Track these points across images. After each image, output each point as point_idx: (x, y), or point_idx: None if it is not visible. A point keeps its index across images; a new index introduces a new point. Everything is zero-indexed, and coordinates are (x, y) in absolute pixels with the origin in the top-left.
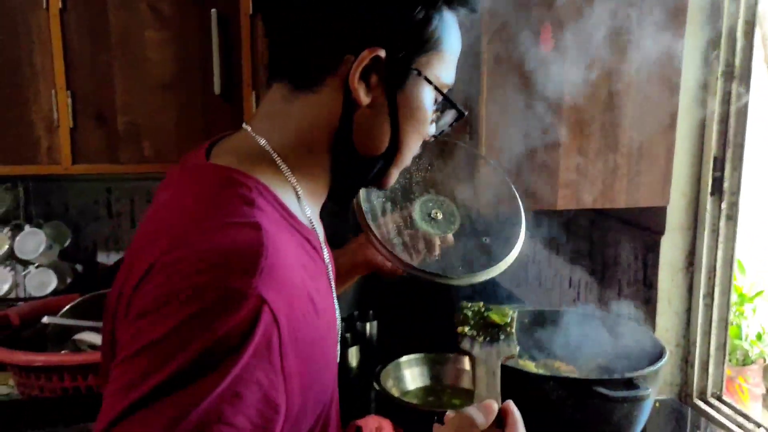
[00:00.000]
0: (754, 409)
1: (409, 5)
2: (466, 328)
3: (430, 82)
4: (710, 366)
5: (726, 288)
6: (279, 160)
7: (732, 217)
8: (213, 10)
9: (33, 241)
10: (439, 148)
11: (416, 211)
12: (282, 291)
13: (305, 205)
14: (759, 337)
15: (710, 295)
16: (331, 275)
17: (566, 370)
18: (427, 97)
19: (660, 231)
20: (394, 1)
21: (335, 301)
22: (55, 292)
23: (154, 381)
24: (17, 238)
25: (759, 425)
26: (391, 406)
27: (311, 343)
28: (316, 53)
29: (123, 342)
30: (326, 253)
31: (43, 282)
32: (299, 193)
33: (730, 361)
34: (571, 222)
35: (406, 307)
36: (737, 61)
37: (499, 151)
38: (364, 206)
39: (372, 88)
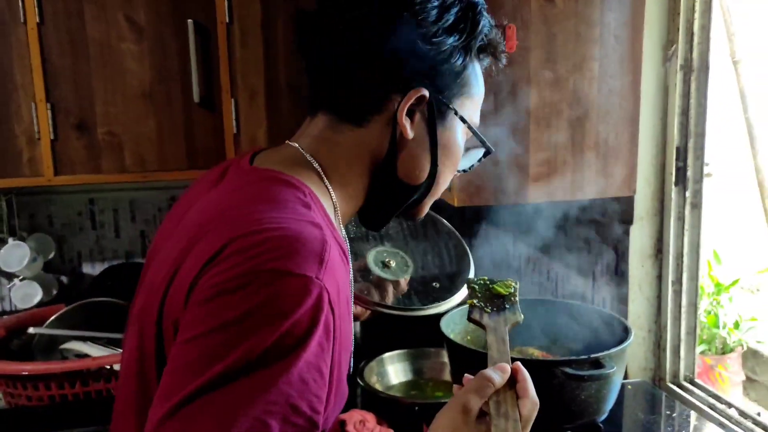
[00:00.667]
0: (735, 396)
1: (451, 52)
2: (475, 300)
3: (464, 122)
4: (682, 350)
5: (694, 274)
6: (323, 176)
7: (696, 205)
8: (189, 20)
9: (17, 254)
10: None
11: (370, 260)
12: (334, 286)
13: (338, 219)
14: (736, 325)
15: (679, 281)
16: (352, 288)
17: (540, 356)
18: (461, 135)
19: (629, 220)
20: (438, 48)
21: (352, 304)
22: (40, 304)
23: (228, 361)
24: (1, 252)
25: (730, 405)
26: (376, 401)
27: (345, 341)
28: (365, 94)
29: (188, 323)
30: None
31: (28, 294)
32: (337, 208)
33: (709, 350)
34: (544, 215)
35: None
36: (695, 55)
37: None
38: None
39: (415, 124)
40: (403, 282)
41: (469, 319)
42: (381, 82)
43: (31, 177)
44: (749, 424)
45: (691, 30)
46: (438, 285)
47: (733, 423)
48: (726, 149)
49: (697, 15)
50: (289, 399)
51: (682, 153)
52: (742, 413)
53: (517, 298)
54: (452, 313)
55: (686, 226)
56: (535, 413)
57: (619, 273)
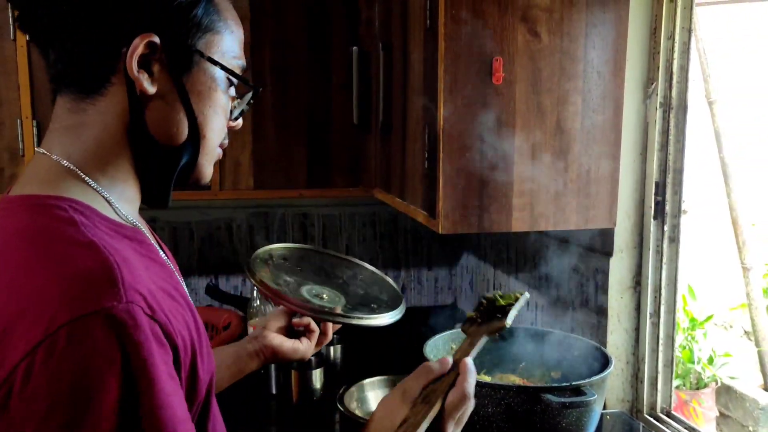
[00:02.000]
0: None
1: None
2: (475, 313)
3: (215, 63)
4: (659, 382)
5: (671, 306)
6: (82, 174)
7: (674, 239)
8: None
9: None
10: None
11: (304, 292)
12: (143, 289)
13: (120, 209)
14: (711, 360)
15: (656, 313)
16: (174, 267)
17: (520, 383)
18: (219, 79)
19: (608, 252)
20: None
21: (186, 291)
22: None
23: None
24: None
25: None
26: (355, 427)
27: (181, 323)
28: (91, 55)
29: (14, 422)
30: (162, 251)
31: None
32: (110, 200)
33: (684, 385)
34: (526, 246)
35: (368, 330)
36: (674, 94)
37: (456, 176)
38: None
39: (156, 76)
40: (339, 308)
41: (462, 329)
42: (104, 36)
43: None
44: None
45: (670, 69)
46: (375, 306)
47: None
48: (701, 188)
49: (676, 55)
50: (173, 426)
51: (660, 188)
52: None
53: (513, 308)
54: (436, 338)
55: (664, 260)
56: (467, 408)
57: (598, 304)
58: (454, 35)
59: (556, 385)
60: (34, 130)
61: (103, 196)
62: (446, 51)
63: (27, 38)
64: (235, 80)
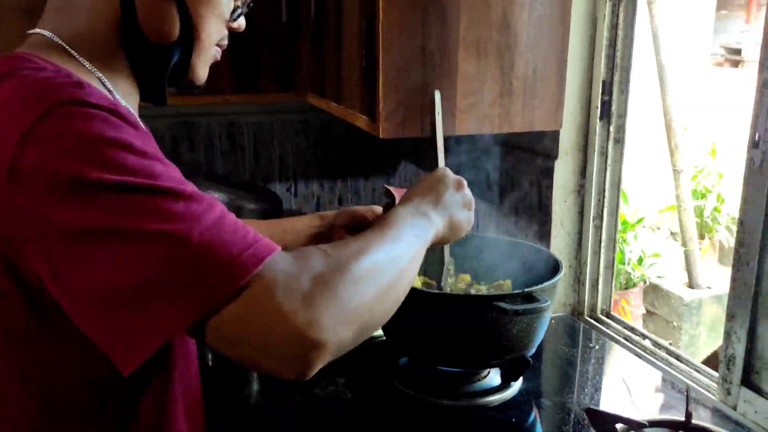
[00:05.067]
0: None
1: None
2: None
3: None
4: (600, 284)
5: (614, 209)
6: (73, 52)
7: (619, 141)
8: None
9: None
10: None
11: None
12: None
13: (118, 98)
14: (640, 261)
15: (599, 216)
16: None
17: (477, 288)
18: None
19: (554, 155)
20: None
21: None
22: None
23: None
24: None
25: (645, 336)
26: None
27: None
28: None
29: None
30: None
31: None
32: (105, 81)
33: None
34: (469, 151)
35: None
36: None
37: (397, 75)
38: None
39: None
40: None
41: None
42: None
43: None
44: (663, 354)
45: None
46: None
47: (648, 353)
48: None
49: None
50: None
51: (607, 87)
52: (655, 344)
53: None
54: None
55: (609, 161)
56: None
57: (542, 209)
58: None
59: (507, 293)
60: None
61: (96, 77)
62: None
63: None
64: None
